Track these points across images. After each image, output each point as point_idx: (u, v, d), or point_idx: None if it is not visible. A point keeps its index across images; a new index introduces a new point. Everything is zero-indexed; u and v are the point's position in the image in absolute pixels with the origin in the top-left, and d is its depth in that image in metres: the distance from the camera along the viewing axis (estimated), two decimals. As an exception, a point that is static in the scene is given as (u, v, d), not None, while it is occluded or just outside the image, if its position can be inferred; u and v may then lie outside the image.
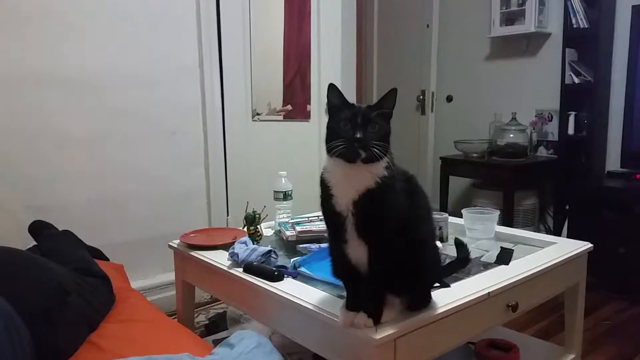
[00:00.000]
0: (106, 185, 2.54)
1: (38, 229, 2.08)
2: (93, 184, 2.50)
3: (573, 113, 3.43)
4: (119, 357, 1.25)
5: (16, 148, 2.27)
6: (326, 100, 1.16)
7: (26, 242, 1.98)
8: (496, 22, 3.82)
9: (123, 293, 1.81)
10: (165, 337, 1.51)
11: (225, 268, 1.66)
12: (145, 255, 2.66)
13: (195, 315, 2.42)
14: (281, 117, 3.29)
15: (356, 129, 1.09)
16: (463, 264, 1.52)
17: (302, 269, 1.58)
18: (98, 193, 2.52)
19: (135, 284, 2.24)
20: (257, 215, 1.95)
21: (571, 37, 3.39)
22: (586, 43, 3.35)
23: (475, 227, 1.93)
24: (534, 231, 3.19)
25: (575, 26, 3.32)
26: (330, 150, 1.12)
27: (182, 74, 2.77)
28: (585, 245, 1.79)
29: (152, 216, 2.71)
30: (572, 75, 3.40)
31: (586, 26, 3.28)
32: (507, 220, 3.31)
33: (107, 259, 2.19)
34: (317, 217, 2.02)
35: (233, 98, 3.03)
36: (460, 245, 1.53)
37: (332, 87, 1.15)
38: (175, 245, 1.95)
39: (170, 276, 2.14)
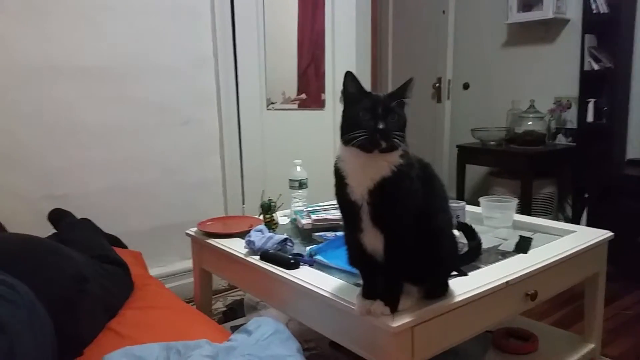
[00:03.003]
0: (123, 174, 2.57)
1: (57, 217, 2.11)
2: (110, 173, 2.52)
3: (592, 100, 3.37)
4: (138, 343, 1.26)
5: (35, 138, 2.30)
6: (342, 88, 1.15)
7: (45, 231, 2.01)
8: (514, 8, 3.75)
9: (141, 280, 1.83)
10: (184, 324, 1.52)
11: (242, 256, 1.67)
12: (163, 243, 2.68)
13: (213, 302, 2.44)
14: (296, 106, 3.29)
15: (378, 119, 1.07)
16: (477, 251, 1.51)
17: (319, 257, 1.58)
18: (115, 182, 2.54)
19: (153, 271, 2.26)
20: (272, 204, 1.96)
21: (591, 22, 3.32)
22: (606, 29, 3.28)
23: (493, 215, 1.91)
24: (552, 220, 3.16)
25: (595, 11, 3.25)
26: (348, 141, 1.10)
27: (196, 63, 2.78)
28: (605, 234, 1.77)
29: (169, 204, 2.73)
30: (592, 61, 3.33)
31: (606, 11, 3.21)
32: (524, 208, 3.28)
33: (125, 247, 2.21)
34: (332, 206, 2.02)
35: (247, 87, 3.03)
36: (467, 228, 1.52)
37: (349, 75, 1.13)
38: (193, 233, 1.97)
39: (188, 264, 2.16)
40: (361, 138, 1.07)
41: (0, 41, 2.18)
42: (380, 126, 1.06)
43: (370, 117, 1.08)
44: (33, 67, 2.27)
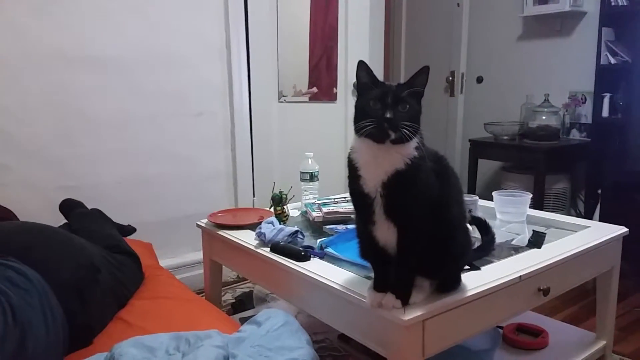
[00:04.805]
0: (134, 165, 2.57)
1: (69, 207, 2.12)
2: (121, 164, 2.53)
3: (608, 95, 3.31)
4: (147, 333, 1.27)
5: (47, 128, 2.31)
6: (355, 78, 1.14)
7: (57, 221, 2.02)
8: (529, 1, 3.69)
9: (152, 271, 1.84)
10: (194, 315, 1.52)
11: (252, 247, 1.66)
12: (174, 234, 2.69)
13: (222, 293, 2.45)
14: (307, 99, 3.28)
15: (386, 108, 1.06)
16: (490, 245, 1.49)
17: (329, 250, 1.57)
18: (127, 173, 2.55)
19: (163, 262, 2.27)
20: (283, 196, 1.95)
21: (608, 15, 3.26)
22: (625, 22, 3.22)
23: (506, 210, 1.89)
24: (565, 215, 3.13)
25: (613, 4, 3.19)
26: (358, 130, 1.09)
27: (209, 55, 2.77)
28: (620, 230, 1.74)
29: (180, 196, 2.73)
30: (608, 55, 3.28)
31: (625, 4, 3.16)
32: (537, 204, 3.24)
33: (133, 230, 2.20)
34: (343, 199, 2.01)
35: (259, 79, 3.02)
36: (480, 223, 1.50)
37: (361, 64, 1.12)
38: (203, 225, 1.97)
39: (198, 255, 2.17)
40: (369, 127, 1.06)
41: (14, 30, 2.18)
42: (388, 115, 1.05)
43: (380, 106, 1.07)
44: (46, 57, 2.27)
